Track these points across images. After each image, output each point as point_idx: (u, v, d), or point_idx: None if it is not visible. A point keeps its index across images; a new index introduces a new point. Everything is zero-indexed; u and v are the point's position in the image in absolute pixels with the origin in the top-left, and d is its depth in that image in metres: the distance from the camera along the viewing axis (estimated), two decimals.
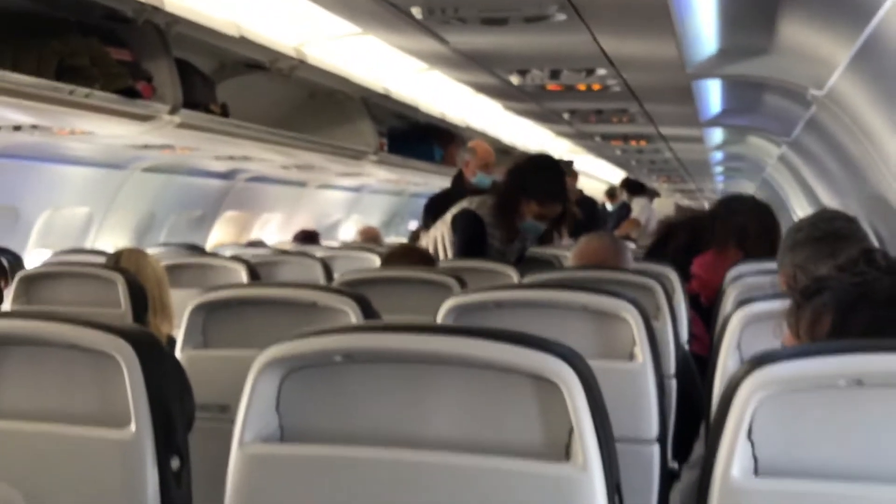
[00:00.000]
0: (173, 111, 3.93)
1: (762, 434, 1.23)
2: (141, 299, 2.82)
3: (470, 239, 3.88)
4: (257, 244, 6.05)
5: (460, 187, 4.59)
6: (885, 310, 1.39)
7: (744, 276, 2.76)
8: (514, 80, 5.06)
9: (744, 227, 3.27)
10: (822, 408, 1.23)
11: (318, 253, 4.83)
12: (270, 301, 2.30)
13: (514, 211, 3.82)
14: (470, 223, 3.88)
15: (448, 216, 4.01)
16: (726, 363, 1.99)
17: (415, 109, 6.43)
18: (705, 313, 3.18)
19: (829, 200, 5.25)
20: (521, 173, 3.85)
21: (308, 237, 7.06)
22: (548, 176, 3.86)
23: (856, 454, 1.21)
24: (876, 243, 3.57)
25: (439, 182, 8.15)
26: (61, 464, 1.53)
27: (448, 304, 2.17)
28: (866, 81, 2.66)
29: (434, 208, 4.53)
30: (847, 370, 1.21)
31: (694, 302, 3.27)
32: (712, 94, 5.53)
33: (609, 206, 9.57)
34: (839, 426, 1.22)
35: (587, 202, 7.51)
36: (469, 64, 4.71)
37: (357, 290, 2.28)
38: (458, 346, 1.35)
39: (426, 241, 4.09)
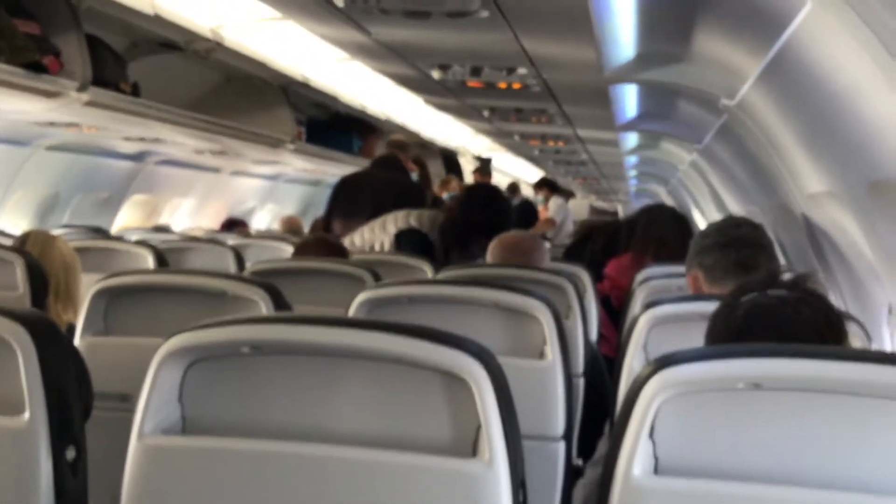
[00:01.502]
0: (81, 88, 3.79)
1: (664, 434, 1.26)
2: (41, 283, 2.71)
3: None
4: (163, 229, 5.88)
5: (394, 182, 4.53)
6: (786, 335, 1.45)
7: (652, 279, 2.83)
8: (436, 74, 5.06)
9: (662, 237, 3.37)
10: (721, 410, 1.26)
11: (230, 241, 4.73)
12: (177, 288, 2.24)
13: (462, 243, 3.78)
14: (418, 246, 3.80)
15: (390, 226, 3.92)
16: (632, 363, 2.03)
17: (334, 99, 6.37)
18: (616, 315, 3.25)
19: (737, 208, 5.42)
20: (470, 207, 3.83)
21: (235, 225, 6.93)
22: (495, 209, 3.84)
23: (753, 455, 1.24)
24: (780, 252, 3.70)
25: None
26: None
27: (360, 297, 2.16)
28: (775, 94, 2.75)
29: (348, 195, 4.47)
30: (746, 373, 1.24)
31: (605, 304, 3.34)
32: (629, 99, 5.65)
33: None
34: (737, 428, 1.26)
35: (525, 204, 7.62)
36: (391, 56, 4.69)
37: (269, 280, 2.24)
38: (369, 341, 1.34)
39: (357, 241, 3.99)
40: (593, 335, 3.09)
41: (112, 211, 6.58)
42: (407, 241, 3.84)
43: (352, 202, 4.41)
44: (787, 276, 1.58)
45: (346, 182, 4.66)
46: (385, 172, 4.70)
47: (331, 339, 1.35)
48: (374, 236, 3.98)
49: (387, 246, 3.89)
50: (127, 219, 6.86)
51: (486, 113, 6.84)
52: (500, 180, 11.36)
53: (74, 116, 4.30)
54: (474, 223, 3.74)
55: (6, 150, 5.20)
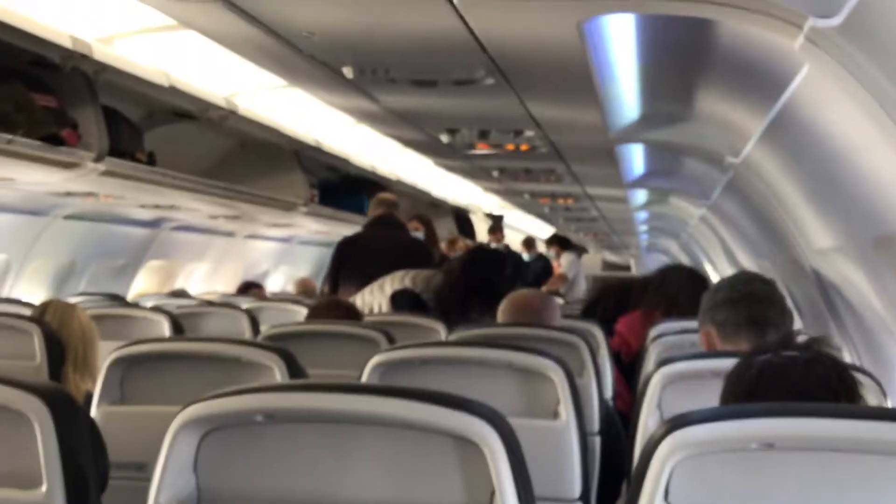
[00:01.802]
0: (98, 159, 3.87)
1: (679, 495, 1.25)
2: (58, 353, 2.73)
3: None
4: (180, 294, 5.92)
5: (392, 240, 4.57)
6: (798, 394, 1.45)
7: (665, 335, 2.82)
8: (444, 138, 5.14)
9: (675, 295, 3.38)
10: (735, 470, 1.25)
11: (245, 305, 4.76)
12: (192, 356, 2.25)
13: (461, 307, 3.73)
14: (411, 307, 3.78)
15: (387, 287, 3.93)
16: (647, 422, 2.02)
17: (346, 162, 6.45)
18: (626, 370, 3.24)
19: (748, 262, 5.42)
20: (472, 271, 3.77)
21: (251, 287, 6.97)
22: (496, 273, 3.76)
23: None
24: (792, 307, 3.69)
25: None
26: None
27: (374, 360, 2.16)
28: (778, 151, 2.78)
29: (351, 257, 4.51)
30: (759, 433, 1.24)
31: (616, 359, 3.33)
32: (635, 157, 5.70)
33: (526, 257, 9.56)
34: (752, 488, 1.25)
35: (514, 257, 7.54)
36: (399, 121, 4.77)
37: (283, 345, 2.26)
38: (380, 406, 1.34)
39: (359, 303, 4.02)
40: (608, 392, 3.08)
41: (128, 277, 6.64)
42: (401, 301, 3.83)
43: (356, 264, 4.44)
44: (801, 338, 1.59)
45: (347, 244, 4.68)
46: (387, 231, 4.72)
47: (343, 406, 1.36)
48: (373, 298, 3.99)
49: (384, 307, 3.88)
50: (143, 285, 6.91)
51: (495, 174, 6.91)
52: (512, 237, 11.39)
53: (91, 186, 4.38)
54: (473, 287, 3.73)
55: (24, 221, 5.28)
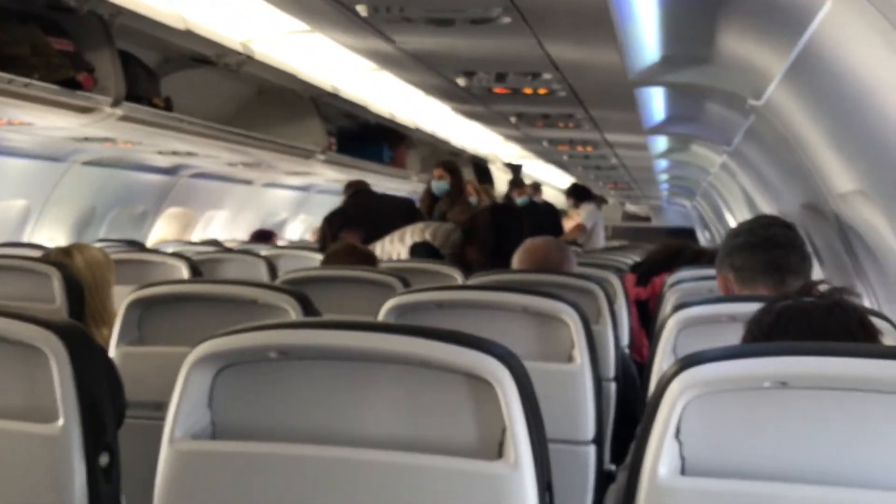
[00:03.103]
0: (115, 104, 3.87)
1: (690, 434, 1.25)
2: (78, 295, 2.75)
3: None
4: (211, 244, 5.93)
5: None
6: (817, 335, 1.44)
7: (683, 282, 2.81)
8: (461, 81, 5.08)
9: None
10: (747, 409, 1.25)
11: (263, 251, 4.78)
12: (209, 298, 2.27)
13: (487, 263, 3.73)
14: (430, 258, 3.84)
15: (408, 238, 4.02)
16: (662, 366, 2.02)
17: (364, 109, 6.41)
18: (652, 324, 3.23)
19: (768, 209, 5.37)
20: (491, 226, 3.79)
21: (264, 236, 6.99)
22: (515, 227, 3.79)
23: (779, 455, 1.23)
24: (812, 252, 3.64)
25: (388, 183, 8.15)
26: None
27: (389, 303, 2.17)
28: (801, 93, 2.73)
29: (363, 210, 4.62)
30: (772, 372, 1.23)
31: (644, 309, 3.32)
32: (655, 102, 5.62)
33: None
34: (764, 427, 1.25)
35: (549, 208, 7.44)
36: (416, 64, 4.72)
37: (299, 289, 2.27)
38: (394, 344, 1.35)
39: (378, 252, 4.08)
40: (625, 340, 3.08)
41: (147, 224, 6.68)
42: (420, 253, 3.90)
43: (366, 219, 4.54)
44: (823, 287, 1.57)
45: (336, 214, 4.81)
46: (373, 196, 5.02)
47: (356, 343, 1.36)
48: (392, 248, 4.06)
49: (403, 255, 3.97)
50: (163, 232, 6.96)
51: (513, 119, 6.85)
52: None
53: (109, 131, 4.38)
54: (499, 249, 3.77)
55: (44, 166, 5.31)
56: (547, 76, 4.76)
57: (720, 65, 3.73)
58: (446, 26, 3.45)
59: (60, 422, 1.46)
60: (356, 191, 5.12)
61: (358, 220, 4.56)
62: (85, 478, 1.45)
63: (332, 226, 4.70)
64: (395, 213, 4.44)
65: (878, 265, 3.11)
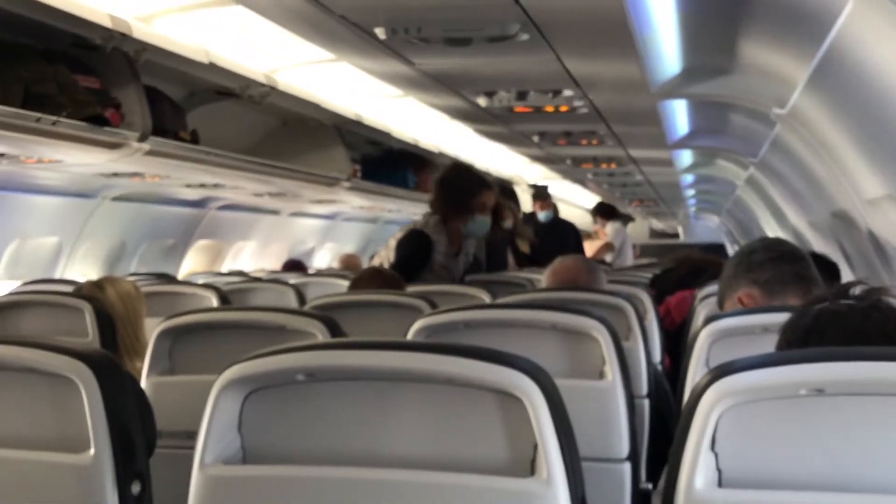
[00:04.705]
0: (142, 138, 3.92)
1: (725, 445, 1.23)
2: (110, 327, 2.78)
3: (408, 255, 4.03)
4: (237, 275, 5.96)
5: None
6: (854, 339, 1.41)
7: (713, 296, 2.77)
8: (482, 101, 5.10)
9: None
10: (784, 418, 1.23)
11: (292, 279, 4.80)
12: (237, 325, 2.28)
13: (456, 216, 4.06)
14: (411, 241, 4.05)
15: (391, 241, 4.17)
16: (694, 378, 1.99)
17: (387, 135, 6.45)
18: (669, 340, 3.20)
19: (797, 220, 5.31)
20: (443, 185, 4.13)
21: (295, 266, 7.01)
22: (463, 176, 4.14)
23: (817, 464, 1.21)
24: (843, 259, 3.60)
25: (413, 208, 8.16)
26: (20, 490, 1.50)
27: (417, 324, 2.16)
28: (825, 98, 2.70)
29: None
30: (808, 379, 1.21)
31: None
32: (679, 116, 5.59)
33: (541, 216, 8.59)
34: (801, 436, 1.22)
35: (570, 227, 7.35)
36: (436, 86, 4.74)
37: (327, 314, 2.27)
38: (421, 362, 1.34)
39: (376, 262, 4.21)
40: (656, 357, 3.04)
41: (178, 257, 6.74)
42: (403, 240, 4.07)
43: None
44: (859, 288, 1.55)
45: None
46: None
47: (384, 363, 1.36)
48: (381, 256, 4.22)
49: (391, 257, 4.09)
50: (193, 264, 7.01)
51: (535, 138, 6.84)
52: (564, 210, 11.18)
53: (136, 166, 4.44)
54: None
55: (74, 203, 5.38)
56: (568, 93, 4.76)
57: (742, 74, 3.71)
58: (464, 45, 3.47)
59: (92, 451, 1.47)
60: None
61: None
62: None
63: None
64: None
65: None
